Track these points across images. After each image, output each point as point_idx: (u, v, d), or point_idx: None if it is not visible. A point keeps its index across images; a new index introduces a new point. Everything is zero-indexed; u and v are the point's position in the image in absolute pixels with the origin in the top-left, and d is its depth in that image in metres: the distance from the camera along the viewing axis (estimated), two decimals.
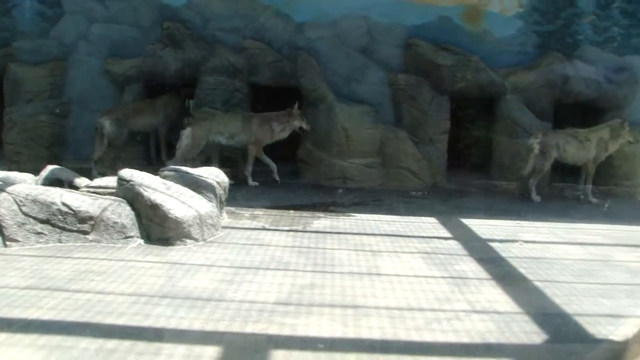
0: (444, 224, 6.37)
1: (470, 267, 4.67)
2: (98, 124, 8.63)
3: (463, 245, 5.42)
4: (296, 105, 8.92)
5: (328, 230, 5.84)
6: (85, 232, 4.79)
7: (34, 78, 9.64)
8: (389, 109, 9.79)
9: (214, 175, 5.83)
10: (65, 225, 4.75)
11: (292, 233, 5.61)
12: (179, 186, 5.26)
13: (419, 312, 3.56)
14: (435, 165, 9.55)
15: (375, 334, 3.19)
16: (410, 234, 5.84)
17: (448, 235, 5.86)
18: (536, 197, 8.46)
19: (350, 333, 3.20)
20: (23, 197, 4.71)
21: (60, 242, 4.73)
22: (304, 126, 8.94)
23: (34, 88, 9.63)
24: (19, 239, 4.62)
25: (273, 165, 8.91)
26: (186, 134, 8.37)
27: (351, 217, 6.59)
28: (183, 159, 8.17)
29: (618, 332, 3.32)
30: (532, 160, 8.51)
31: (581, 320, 3.51)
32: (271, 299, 3.69)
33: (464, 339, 3.16)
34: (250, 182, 8.66)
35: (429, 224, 6.37)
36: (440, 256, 4.96)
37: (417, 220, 6.56)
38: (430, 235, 5.81)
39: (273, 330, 3.20)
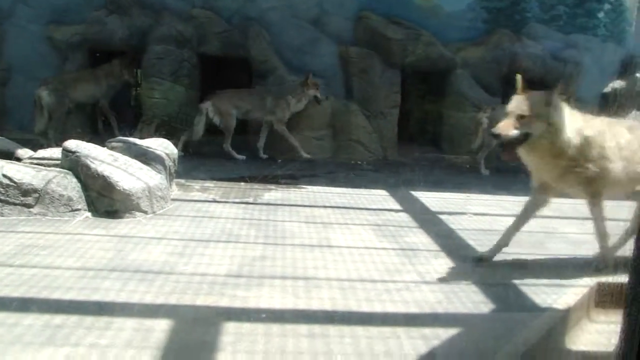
0: (394, 196, 6.45)
1: (421, 239, 4.75)
2: (36, 95, 8.33)
3: (413, 217, 5.51)
4: (310, 75, 8.82)
5: (279, 202, 5.84)
6: (29, 205, 4.63)
7: None
8: (340, 81, 9.78)
9: (162, 146, 5.73)
10: (8, 199, 4.58)
11: (242, 205, 5.58)
12: (126, 158, 5.14)
13: (370, 284, 3.60)
14: (386, 139, 9.63)
15: (327, 305, 3.22)
16: (361, 206, 5.90)
17: (398, 207, 5.94)
18: (485, 171, 8.65)
19: (302, 304, 3.22)
20: None
21: (2, 216, 4.57)
22: (319, 95, 8.83)
23: None
24: None
25: (297, 144, 8.94)
26: (210, 109, 8.43)
27: (302, 190, 6.60)
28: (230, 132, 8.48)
29: (561, 300, 3.45)
30: (481, 135, 8.67)
31: (527, 290, 3.63)
32: (222, 271, 3.68)
33: (414, 309, 3.22)
34: (237, 156, 8.63)
35: (379, 197, 6.44)
36: (390, 228, 5.03)
37: (368, 193, 6.62)
38: (381, 207, 5.88)
39: (224, 302, 3.19)
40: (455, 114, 9.83)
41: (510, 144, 3.74)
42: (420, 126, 10.87)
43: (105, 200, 4.78)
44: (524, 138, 3.70)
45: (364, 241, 4.60)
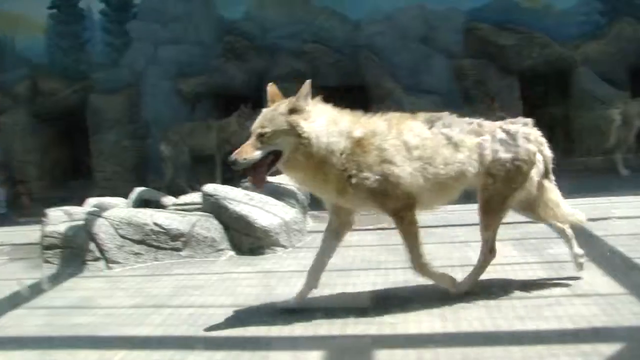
0: None
1: (565, 249, 4.52)
2: (159, 150, 8.93)
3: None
4: (494, 100, 8.83)
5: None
6: (178, 249, 5.00)
7: (112, 106, 10.11)
8: (457, 96, 9.66)
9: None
10: (159, 244, 4.98)
11: (377, 231, 5.61)
12: (261, 196, 5.40)
13: (518, 301, 3.49)
14: None
15: (476, 326, 3.15)
16: None
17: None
18: (624, 171, 8.12)
19: (451, 327, 3.17)
20: (118, 221, 4.97)
21: (157, 261, 4.96)
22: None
23: (114, 115, 10.09)
24: (120, 260, 4.88)
25: None
26: None
27: (437, 210, 6.50)
28: None
29: None
30: (614, 132, 8.18)
31: None
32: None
33: (568, 325, 3.08)
34: None
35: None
36: (532, 241, 4.85)
37: None
38: (518, 220, 5.67)
39: (373, 330, 3.21)
40: (583, 113, 9.35)
41: (258, 168, 3.18)
42: (546, 130, 10.40)
43: (246, 238, 5.05)
44: (274, 158, 3.17)
45: (506, 257, 4.44)
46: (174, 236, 5.00)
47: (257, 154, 3.13)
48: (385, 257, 4.68)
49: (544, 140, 3.66)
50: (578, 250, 3.79)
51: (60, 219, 5.34)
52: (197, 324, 3.48)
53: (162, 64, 10.38)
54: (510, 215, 5.75)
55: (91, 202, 5.89)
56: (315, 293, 3.84)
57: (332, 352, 2.99)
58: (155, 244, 4.97)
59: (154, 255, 4.96)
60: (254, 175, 3.26)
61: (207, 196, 5.32)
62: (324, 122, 3.23)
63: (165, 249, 4.99)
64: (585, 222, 3.93)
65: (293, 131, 3.14)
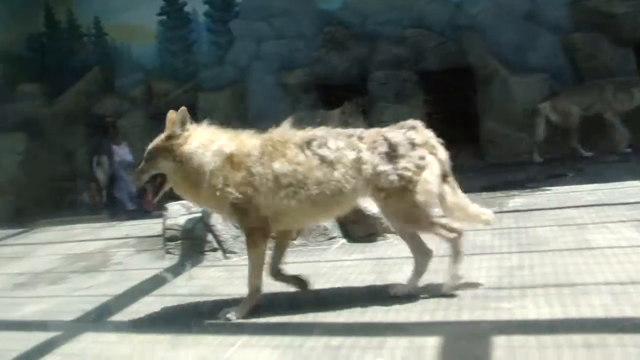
0: None
1: None
2: None
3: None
4: None
5: (526, 207, 5.63)
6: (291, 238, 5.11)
7: (220, 103, 10.50)
8: (567, 72, 9.18)
9: None
10: (274, 234, 5.10)
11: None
12: None
13: None
14: (634, 124, 8.76)
15: (599, 312, 3.00)
16: (616, 201, 5.41)
17: None
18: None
19: (572, 313, 3.04)
20: None
21: (271, 250, 5.08)
22: None
23: (222, 111, 10.46)
24: (236, 250, 5.07)
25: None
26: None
27: (548, 192, 6.29)
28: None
29: None
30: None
31: None
32: (481, 284, 3.64)
33: None
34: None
35: (636, 189, 5.86)
36: None
37: (622, 186, 6.07)
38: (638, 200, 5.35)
39: (490, 315, 3.14)
40: None
41: (152, 189, 3.52)
42: None
43: (357, 226, 5.08)
44: (162, 180, 3.50)
45: (628, 240, 4.20)
46: None
47: (145, 177, 3.54)
48: (499, 242, 4.55)
49: (436, 142, 3.50)
50: (458, 269, 3.53)
51: (179, 212, 5.62)
52: (313, 310, 3.55)
53: (266, 59, 10.63)
54: (630, 196, 5.49)
55: None
56: (429, 279, 3.81)
57: (449, 338, 2.95)
58: None
59: (268, 245, 5.08)
60: (147, 198, 3.71)
61: None
62: (198, 145, 3.46)
63: None
64: (493, 221, 3.76)
65: (170, 155, 3.45)
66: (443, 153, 3.52)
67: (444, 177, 3.52)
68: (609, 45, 8.91)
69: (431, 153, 3.43)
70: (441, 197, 3.49)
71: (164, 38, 11.87)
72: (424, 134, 3.49)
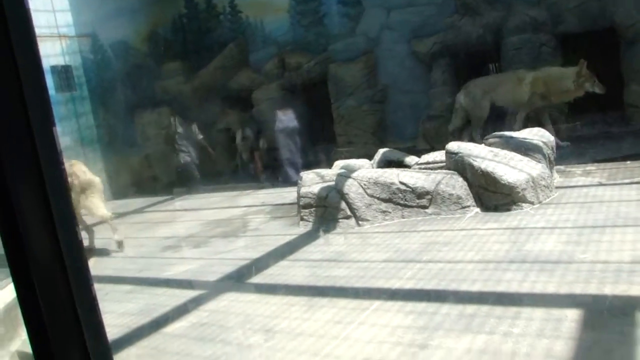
0: None
1: None
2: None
3: None
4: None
5: None
6: (424, 207, 5.10)
7: (351, 73, 10.56)
8: None
9: (539, 135, 5.66)
10: (406, 202, 5.13)
11: (635, 186, 5.12)
12: (506, 152, 5.25)
13: None
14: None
15: None
16: None
17: None
18: None
19: None
20: (366, 181, 5.22)
21: (403, 218, 5.12)
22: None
23: (353, 82, 10.54)
24: (369, 218, 5.15)
25: None
26: None
27: None
28: None
29: None
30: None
31: None
32: (626, 258, 3.43)
33: None
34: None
35: None
36: None
37: None
38: None
39: (634, 291, 2.97)
40: None
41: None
42: None
43: (491, 195, 4.96)
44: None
45: None
46: (420, 194, 5.10)
47: None
48: None
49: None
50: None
51: (313, 180, 5.78)
52: (447, 278, 3.56)
53: (396, 28, 10.50)
54: None
55: (339, 164, 6.26)
56: (569, 250, 3.66)
57: (589, 312, 2.83)
58: (401, 202, 5.13)
59: (401, 213, 5.13)
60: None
61: (451, 154, 5.32)
62: None
63: (411, 206, 5.12)
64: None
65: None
66: (83, 173, 5.87)
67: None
68: None
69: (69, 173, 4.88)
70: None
71: (295, 12, 12.07)
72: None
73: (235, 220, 6.71)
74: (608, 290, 3.04)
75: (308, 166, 7.44)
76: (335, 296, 3.61)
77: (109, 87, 13.26)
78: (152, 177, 12.26)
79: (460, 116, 8.54)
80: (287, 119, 9.85)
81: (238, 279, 4.40)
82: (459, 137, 8.26)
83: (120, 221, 7.55)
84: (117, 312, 4.02)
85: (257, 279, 4.31)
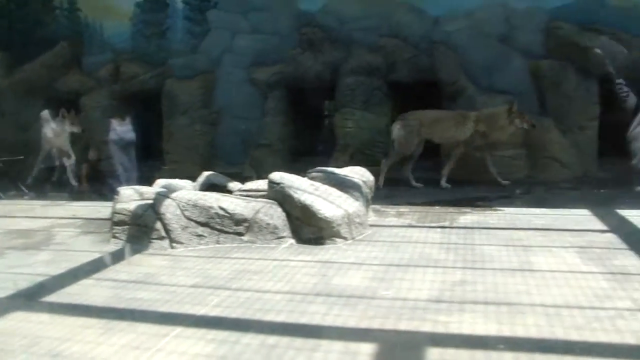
0: (599, 216, 5.97)
1: (632, 262, 4.34)
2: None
3: (621, 238, 5.05)
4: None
5: (476, 225, 5.71)
6: (240, 234, 5.08)
7: (187, 91, 10.40)
8: (532, 97, 9.37)
9: (359, 174, 5.93)
10: (223, 228, 5.07)
11: (439, 229, 5.55)
12: (326, 186, 5.41)
13: (577, 310, 3.36)
14: (585, 154, 9.00)
15: (532, 333, 3.07)
16: (562, 227, 5.54)
17: (603, 227, 5.49)
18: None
19: (506, 331, 3.10)
20: (185, 202, 5.10)
21: (219, 244, 5.06)
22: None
23: (188, 100, 10.38)
24: (183, 240, 5.01)
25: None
26: None
27: (499, 211, 6.40)
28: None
29: None
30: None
31: None
32: (423, 296, 3.67)
33: (630, 340, 2.94)
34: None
35: (581, 217, 6.01)
36: (596, 250, 4.65)
37: (569, 213, 6.23)
38: (584, 228, 5.48)
39: (426, 327, 3.18)
40: None
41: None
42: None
43: (307, 228, 5.07)
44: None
45: (568, 265, 4.30)
46: (238, 221, 5.08)
47: None
48: (445, 256, 4.60)
49: None
50: None
51: (131, 197, 5.53)
52: (253, 308, 3.54)
53: (238, 53, 10.57)
54: (575, 223, 5.62)
55: (160, 183, 6.06)
56: (373, 286, 3.83)
57: (383, 346, 2.98)
58: (218, 227, 5.07)
59: (217, 238, 5.06)
60: None
61: (273, 184, 5.37)
62: None
63: (228, 232, 5.08)
64: None
65: None
66: None
67: None
68: (575, 75, 9.11)
69: None
70: None
71: (139, 20, 11.68)
72: None
73: (40, 231, 6.19)
74: (403, 325, 3.21)
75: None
76: (136, 320, 3.44)
77: None
78: None
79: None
80: (122, 130, 9.10)
81: (31, 297, 4.03)
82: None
83: None
84: None
85: (53, 298, 3.97)
